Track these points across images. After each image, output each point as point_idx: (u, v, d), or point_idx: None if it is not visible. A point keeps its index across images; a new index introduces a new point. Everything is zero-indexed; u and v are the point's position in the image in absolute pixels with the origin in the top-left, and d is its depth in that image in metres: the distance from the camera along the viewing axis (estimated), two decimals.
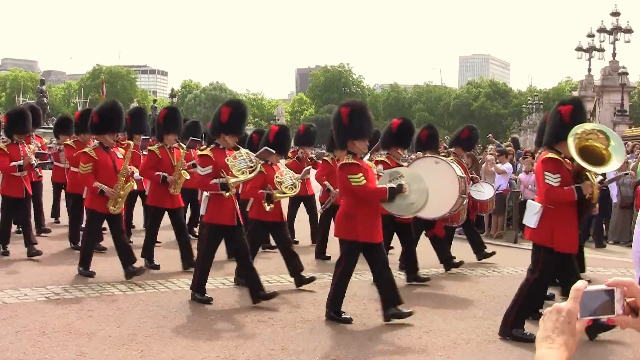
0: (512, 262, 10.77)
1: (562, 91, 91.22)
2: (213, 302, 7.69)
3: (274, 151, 8.73)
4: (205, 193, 7.90)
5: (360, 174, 6.92)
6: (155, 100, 73.58)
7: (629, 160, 14.53)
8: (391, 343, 6.52)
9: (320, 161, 11.55)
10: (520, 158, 15.96)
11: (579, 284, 1.66)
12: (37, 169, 10.81)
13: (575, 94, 39.30)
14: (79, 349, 5.92)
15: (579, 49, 35.41)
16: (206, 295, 7.77)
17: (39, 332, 6.35)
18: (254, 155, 8.01)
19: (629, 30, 30.54)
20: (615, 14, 30.37)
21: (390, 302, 7.14)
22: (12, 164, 9.87)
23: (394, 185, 7.09)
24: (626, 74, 29.72)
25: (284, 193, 8.53)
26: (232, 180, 7.58)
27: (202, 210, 7.87)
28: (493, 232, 14.04)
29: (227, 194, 7.60)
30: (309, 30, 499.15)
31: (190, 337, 6.43)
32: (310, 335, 6.63)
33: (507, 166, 14.31)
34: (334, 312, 7.15)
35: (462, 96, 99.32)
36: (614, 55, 31.21)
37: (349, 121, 7.09)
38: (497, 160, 14.50)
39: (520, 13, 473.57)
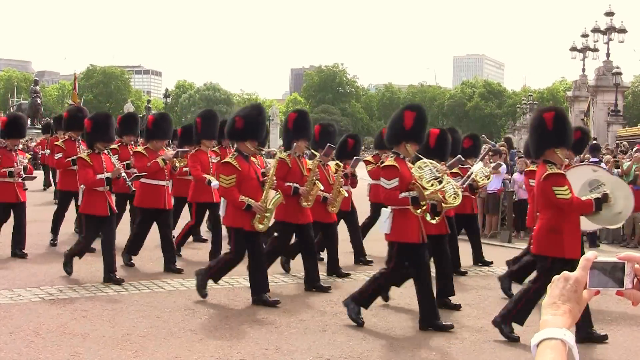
0: None
1: (556, 91, 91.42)
2: (209, 303, 7.69)
3: (464, 159, 8.27)
4: (386, 209, 7.00)
5: (567, 186, 6.41)
6: (149, 101, 73.29)
7: (623, 161, 14.58)
8: (385, 342, 6.53)
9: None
10: (516, 158, 15.95)
11: (589, 255, 1.69)
12: (130, 183, 9.08)
13: (570, 94, 39.41)
14: (73, 349, 5.91)
15: (573, 49, 35.52)
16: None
17: (33, 332, 6.35)
18: (441, 164, 7.21)
19: (622, 30, 30.62)
20: (609, 14, 30.46)
21: None
22: (99, 176, 8.59)
23: (599, 195, 6.55)
24: (620, 74, 29.81)
25: (448, 203, 7.51)
26: (427, 192, 6.82)
27: (386, 229, 6.98)
28: (487, 231, 14.04)
29: (419, 211, 6.85)
30: (303, 30, 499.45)
31: (184, 337, 6.43)
32: (304, 335, 6.64)
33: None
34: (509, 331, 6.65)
35: (456, 96, 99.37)
36: (607, 55, 31.31)
37: (553, 127, 6.57)
38: (491, 160, 14.51)
39: (514, 13, 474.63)
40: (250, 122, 7.85)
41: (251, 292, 7.83)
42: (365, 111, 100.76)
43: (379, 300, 8.04)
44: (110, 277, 8.50)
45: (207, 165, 10.30)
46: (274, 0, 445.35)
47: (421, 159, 7.24)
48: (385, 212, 6.99)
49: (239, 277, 9.01)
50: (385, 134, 7.53)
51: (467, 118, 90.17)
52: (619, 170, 13.55)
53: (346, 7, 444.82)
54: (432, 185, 6.90)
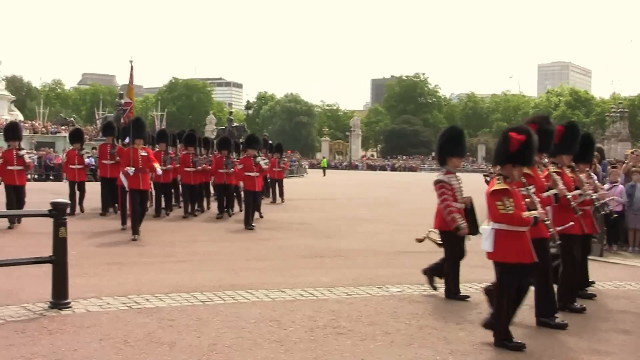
0: (600, 277, 10.37)
1: None
2: (294, 314, 7.67)
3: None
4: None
5: None
6: (231, 113, 74.54)
7: None
8: (472, 358, 6.34)
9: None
10: (608, 168, 15.26)
11: None
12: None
13: None
14: (161, 358, 5.97)
15: None
16: None
17: (122, 340, 6.44)
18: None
19: None
20: None
21: None
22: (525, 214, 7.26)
23: None
24: None
25: None
26: None
27: None
28: None
29: None
30: (384, 40, 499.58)
31: (269, 348, 6.40)
32: (390, 348, 6.51)
33: None
34: None
35: (541, 105, 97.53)
36: None
37: None
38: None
39: (600, 18, 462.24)
40: None
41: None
42: (448, 121, 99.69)
43: (468, 314, 7.86)
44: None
45: None
46: (355, 11, 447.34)
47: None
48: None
49: (323, 289, 8.98)
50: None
51: None
52: None
53: (427, 16, 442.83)
54: None
